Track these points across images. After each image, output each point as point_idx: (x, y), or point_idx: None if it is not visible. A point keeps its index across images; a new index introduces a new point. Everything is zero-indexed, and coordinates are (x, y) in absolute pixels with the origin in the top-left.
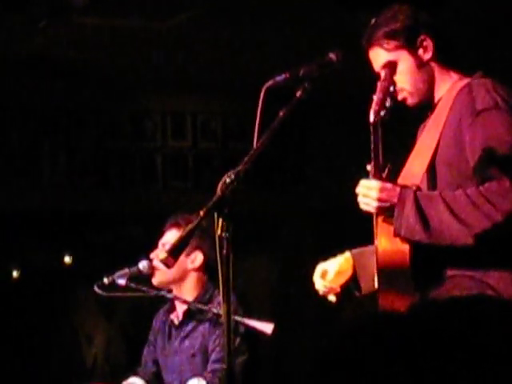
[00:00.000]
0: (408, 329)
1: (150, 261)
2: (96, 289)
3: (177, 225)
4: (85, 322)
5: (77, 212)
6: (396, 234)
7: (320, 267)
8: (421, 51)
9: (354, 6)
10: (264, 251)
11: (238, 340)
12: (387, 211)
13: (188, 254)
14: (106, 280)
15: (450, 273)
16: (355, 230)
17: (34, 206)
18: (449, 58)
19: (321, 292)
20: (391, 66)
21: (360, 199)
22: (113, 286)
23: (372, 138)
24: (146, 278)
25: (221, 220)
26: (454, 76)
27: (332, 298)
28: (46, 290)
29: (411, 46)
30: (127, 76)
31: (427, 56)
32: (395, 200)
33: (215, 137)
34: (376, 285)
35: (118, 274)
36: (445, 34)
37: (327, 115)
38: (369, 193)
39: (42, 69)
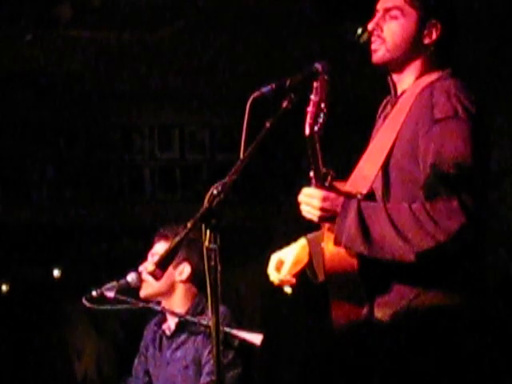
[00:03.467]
0: (391, 336)
1: (139, 273)
2: (84, 302)
3: (165, 236)
4: (74, 335)
5: (65, 225)
6: (336, 243)
7: (275, 258)
8: (426, 31)
9: (340, 17)
10: (254, 263)
11: (231, 354)
12: (330, 220)
13: (175, 266)
14: (94, 293)
15: (396, 284)
16: None
17: (23, 220)
18: (441, 60)
19: (275, 284)
20: (324, 82)
21: (302, 207)
22: (101, 298)
23: (309, 150)
24: (134, 291)
25: (208, 231)
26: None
27: (288, 289)
28: (35, 303)
29: (424, 17)
30: (114, 89)
31: (426, 40)
32: (338, 209)
33: (203, 149)
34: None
35: (106, 286)
36: (453, 39)
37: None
38: (311, 201)
39: (29, 82)
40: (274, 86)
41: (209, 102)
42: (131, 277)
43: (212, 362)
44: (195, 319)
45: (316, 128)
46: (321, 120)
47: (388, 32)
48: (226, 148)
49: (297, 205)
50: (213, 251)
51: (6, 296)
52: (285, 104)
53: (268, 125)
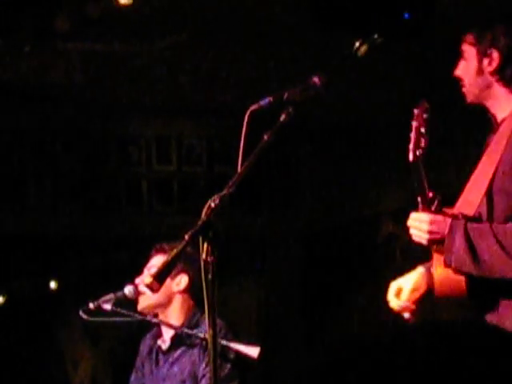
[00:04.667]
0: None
1: (136, 286)
2: (81, 314)
3: (162, 250)
4: (71, 347)
5: (62, 237)
6: (446, 265)
7: (394, 285)
8: (486, 62)
9: (340, 29)
10: (251, 275)
11: (228, 366)
12: (439, 243)
13: (173, 277)
14: (91, 305)
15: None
16: (341, 253)
17: (20, 231)
18: None
19: (395, 310)
20: (423, 107)
21: (411, 232)
22: (98, 311)
23: (414, 175)
24: (131, 303)
25: (206, 244)
26: None
27: (407, 315)
28: (31, 315)
29: (481, 50)
30: (112, 101)
31: (488, 69)
32: (446, 232)
33: (200, 161)
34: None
35: (103, 298)
36: None
37: (315, 138)
38: (420, 226)
39: (27, 94)
40: (271, 98)
41: (206, 114)
42: (128, 289)
43: (209, 375)
44: (192, 332)
45: (418, 153)
46: (422, 145)
47: (462, 74)
48: (223, 160)
49: (293, 218)
50: (210, 264)
51: (3, 307)
52: (282, 117)
53: (266, 138)
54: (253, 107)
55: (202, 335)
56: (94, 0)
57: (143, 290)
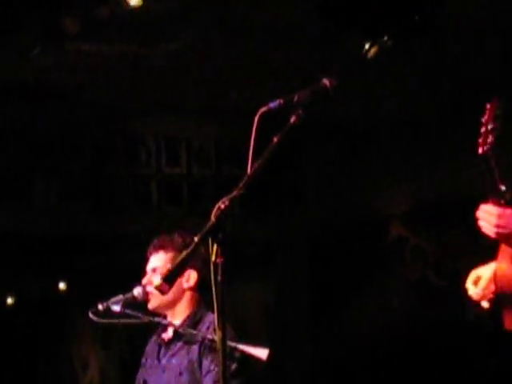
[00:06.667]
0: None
1: (143, 287)
2: (91, 315)
3: (161, 247)
4: (80, 349)
5: (71, 238)
6: None
7: (473, 273)
8: None
9: (348, 29)
10: (259, 275)
11: (234, 365)
12: (507, 238)
13: (182, 274)
14: (100, 306)
15: None
16: (350, 255)
17: (27, 232)
18: None
19: (474, 298)
20: (495, 103)
21: (480, 223)
22: (108, 312)
23: (484, 168)
24: (141, 304)
25: (215, 246)
26: None
27: (485, 304)
28: (40, 316)
29: None
30: (120, 102)
31: None
32: None
33: (209, 162)
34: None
35: (112, 300)
36: None
37: (324, 140)
38: (488, 218)
39: (35, 94)
40: (281, 101)
41: (216, 116)
42: (137, 290)
43: (215, 372)
44: (195, 331)
45: (485, 148)
46: (489, 140)
47: None
48: (232, 162)
49: (300, 220)
50: (219, 265)
51: (12, 309)
52: (292, 119)
53: (276, 140)
54: (263, 109)
55: (202, 333)
56: (103, 1)
57: (152, 291)
